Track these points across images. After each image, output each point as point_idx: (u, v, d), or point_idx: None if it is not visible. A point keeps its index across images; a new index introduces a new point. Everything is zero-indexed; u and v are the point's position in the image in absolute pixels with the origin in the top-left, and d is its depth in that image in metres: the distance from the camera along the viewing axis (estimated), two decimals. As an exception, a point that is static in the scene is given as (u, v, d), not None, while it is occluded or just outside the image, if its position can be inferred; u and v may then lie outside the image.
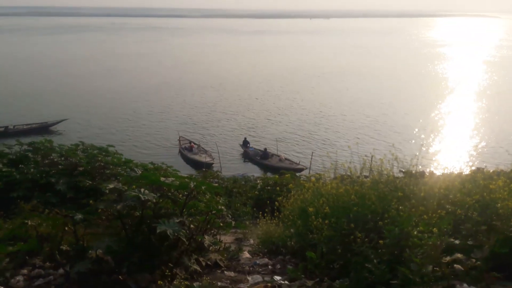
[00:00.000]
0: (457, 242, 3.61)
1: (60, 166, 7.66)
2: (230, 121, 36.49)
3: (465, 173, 6.27)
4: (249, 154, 28.26)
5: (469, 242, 3.74)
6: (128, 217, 4.33)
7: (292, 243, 5.54)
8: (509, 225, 3.89)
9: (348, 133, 33.33)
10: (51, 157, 8.10)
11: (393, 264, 3.47)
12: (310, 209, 4.89)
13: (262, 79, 56.11)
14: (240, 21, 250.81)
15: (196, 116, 37.78)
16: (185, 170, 22.31)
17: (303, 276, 4.11)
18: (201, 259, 4.69)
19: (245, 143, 29.42)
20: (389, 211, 4.35)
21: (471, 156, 28.43)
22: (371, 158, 6.22)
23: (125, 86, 49.72)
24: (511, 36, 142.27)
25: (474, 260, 3.40)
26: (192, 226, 4.53)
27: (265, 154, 27.46)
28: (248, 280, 4.54)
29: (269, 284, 3.84)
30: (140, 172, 4.68)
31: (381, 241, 3.77)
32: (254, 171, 24.96)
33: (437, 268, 3.33)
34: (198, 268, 4.45)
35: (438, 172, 6.92)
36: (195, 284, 3.91)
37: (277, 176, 13.72)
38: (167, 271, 4.14)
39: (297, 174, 17.46)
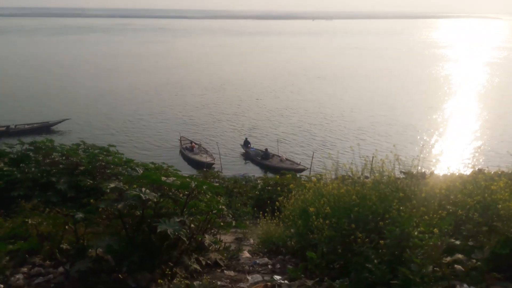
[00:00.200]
0: (457, 242, 3.60)
1: (61, 166, 7.67)
2: (231, 122, 36.51)
3: (466, 174, 6.26)
4: (250, 155, 28.27)
5: (470, 243, 3.73)
6: (128, 216, 4.34)
7: (292, 243, 5.54)
8: (510, 226, 3.88)
9: (349, 134, 33.32)
10: (52, 156, 8.11)
11: (393, 265, 3.46)
12: (311, 209, 4.89)
13: (264, 80, 56.15)
14: (242, 22, 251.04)
15: (197, 117, 37.81)
16: (186, 170, 22.31)
17: (303, 276, 4.10)
18: (201, 258, 4.69)
19: (246, 144, 29.43)
20: (390, 211, 4.35)
21: (472, 157, 28.39)
22: (372, 159, 6.21)
23: (127, 87, 49.80)
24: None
25: (474, 261, 3.39)
26: (192, 225, 4.53)
27: (266, 155, 27.46)
28: (248, 279, 4.53)
29: (269, 284, 3.84)
30: (141, 172, 4.69)
31: (381, 242, 3.77)
32: (254, 172, 24.97)
33: (438, 269, 3.32)
34: (198, 267, 4.45)
35: (439, 173, 6.92)
36: (195, 283, 3.91)
37: (278, 177, 13.71)
38: (167, 270, 4.14)
39: (298, 174, 17.46)
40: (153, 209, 4.34)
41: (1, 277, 4.23)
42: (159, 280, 3.96)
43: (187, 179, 4.60)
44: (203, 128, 34.40)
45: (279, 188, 11.11)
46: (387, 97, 46.59)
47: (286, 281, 4.13)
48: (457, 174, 6.62)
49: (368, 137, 32.17)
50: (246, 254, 5.86)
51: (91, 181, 7.06)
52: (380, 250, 3.69)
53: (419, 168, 5.80)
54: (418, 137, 32.41)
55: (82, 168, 7.59)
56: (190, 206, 4.69)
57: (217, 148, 28.07)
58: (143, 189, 4.12)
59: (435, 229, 3.68)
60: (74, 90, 47.19)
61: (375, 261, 3.52)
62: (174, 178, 4.53)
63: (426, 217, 4.10)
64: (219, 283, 4.25)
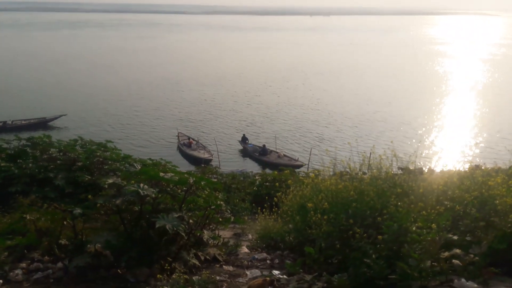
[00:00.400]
0: (455, 237, 3.62)
1: (58, 161, 7.66)
2: (229, 118, 36.45)
3: (464, 170, 6.29)
4: (248, 151, 28.27)
5: (468, 238, 3.75)
6: (127, 212, 4.34)
7: (291, 238, 5.56)
8: (507, 221, 3.90)
9: (347, 130, 33.34)
10: (50, 152, 8.09)
11: (391, 260, 3.48)
12: (309, 204, 4.91)
13: (261, 76, 56.04)
14: (239, 17, 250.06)
15: (195, 113, 37.73)
16: (184, 166, 22.30)
17: (301, 270, 4.12)
18: (200, 253, 4.70)
19: (244, 140, 29.42)
20: (388, 207, 4.37)
21: (469, 153, 28.47)
22: (370, 155, 6.22)
23: (123, 82, 49.58)
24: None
25: (472, 256, 3.41)
26: (191, 221, 4.54)
27: (263, 151, 27.47)
28: (246, 274, 4.55)
29: (268, 279, 3.85)
30: (139, 168, 4.69)
31: (379, 237, 3.79)
32: (252, 167, 24.96)
33: (436, 264, 3.34)
34: (197, 263, 4.47)
35: (437, 169, 6.94)
36: (194, 278, 3.92)
37: (275, 172, 13.73)
38: (166, 265, 4.15)
39: (296, 170, 17.48)
40: (152, 204, 4.34)
41: (0, 272, 4.23)
42: (158, 275, 3.97)
43: (185, 175, 4.60)
44: (201, 124, 34.34)
45: (277, 184, 11.11)
46: (384, 93, 46.61)
47: (284, 276, 4.14)
48: (454, 170, 6.65)
49: (365, 133, 32.19)
50: (244, 249, 5.88)
51: (89, 177, 7.05)
52: (378, 245, 3.71)
53: (417, 164, 5.81)
54: (416, 133, 32.46)
55: (79, 164, 7.58)
56: (189, 202, 4.70)
57: (215, 144, 28.05)
58: (141, 185, 4.12)
59: (433, 224, 3.70)
60: (70, 85, 46.94)
61: (373, 256, 3.54)
62: (172, 174, 4.53)
63: (424, 212, 4.13)
64: (218, 278, 4.26)
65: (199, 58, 72.94)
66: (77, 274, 4.10)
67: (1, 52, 71.58)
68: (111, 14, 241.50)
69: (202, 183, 4.71)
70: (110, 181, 4.22)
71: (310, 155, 25.39)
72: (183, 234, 4.13)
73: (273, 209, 6.87)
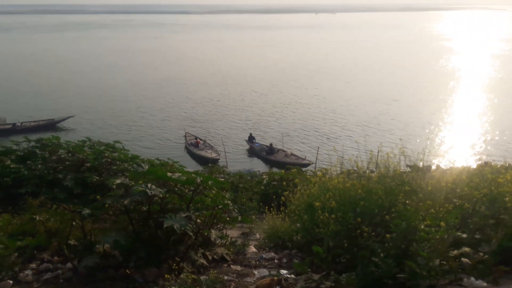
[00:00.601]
0: (464, 236, 3.59)
1: (67, 162, 7.72)
2: (236, 117, 36.48)
3: (473, 167, 6.23)
4: (255, 150, 28.27)
5: (477, 236, 3.72)
6: (135, 212, 4.37)
7: (298, 237, 5.54)
8: (517, 219, 3.86)
9: (354, 128, 33.19)
10: (59, 153, 8.16)
11: (400, 258, 3.46)
12: (317, 203, 4.89)
13: (267, 75, 55.98)
14: (244, 16, 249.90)
15: (201, 112, 37.80)
16: (191, 166, 22.38)
17: (309, 270, 4.11)
18: (207, 253, 4.71)
19: (251, 139, 29.43)
20: (396, 205, 4.34)
21: (478, 150, 28.20)
22: (378, 153, 6.19)
23: (130, 83, 49.83)
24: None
25: (482, 254, 3.39)
26: (198, 220, 4.55)
27: (271, 150, 27.45)
28: (254, 274, 4.55)
29: (275, 278, 3.85)
30: (146, 168, 4.70)
31: (388, 235, 3.76)
32: (260, 167, 24.97)
33: (445, 262, 3.32)
34: (205, 262, 4.48)
35: (445, 166, 6.88)
36: (202, 277, 3.94)
37: (283, 171, 13.72)
38: (174, 265, 4.17)
39: (303, 169, 17.44)
40: (159, 204, 4.36)
41: (10, 273, 4.28)
42: (166, 275, 3.99)
43: (193, 175, 4.61)
44: (207, 124, 34.40)
45: (284, 183, 11.12)
46: (391, 90, 46.30)
47: (292, 276, 4.14)
48: (463, 167, 6.59)
49: (373, 131, 32.04)
50: (252, 248, 5.88)
51: (98, 178, 7.10)
52: (386, 244, 3.68)
53: (425, 161, 5.76)
54: (424, 131, 32.21)
55: (88, 164, 7.64)
56: (196, 202, 4.71)
57: (222, 144, 28.10)
58: (149, 185, 4.14)
59: (442, 222, 3.67)
60: (77, 87, 47.29)
61: (382, 255, 3.52)
62: (179, 174, 4.54)
63: (432, 210, 4.09)
64: (225, 277, 4.27)
65: (204, 57, 73.04)
66: (86, 274, 4.13)
67: (9, 55, 72.31)
68: (116, 15, 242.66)
69: (210, 182, 4.71)
70: (118, 181, 4.25)
71: (317, 153, 25.32)
72: (191, 233, 4.15)
73: (281, 208, 6.86)
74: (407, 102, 40.83)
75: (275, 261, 5.19)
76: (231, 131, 32.84)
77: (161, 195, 4.14)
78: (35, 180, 7.13)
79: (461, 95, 45.02)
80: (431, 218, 3.78)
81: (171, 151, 27.56)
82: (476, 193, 4.46)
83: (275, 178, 12.79)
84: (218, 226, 5.55)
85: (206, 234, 4.75)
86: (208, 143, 28.86)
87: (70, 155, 8.09)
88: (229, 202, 5.09)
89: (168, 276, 3.96)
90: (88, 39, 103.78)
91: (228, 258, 4.98)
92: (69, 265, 4.41)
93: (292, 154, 27.19)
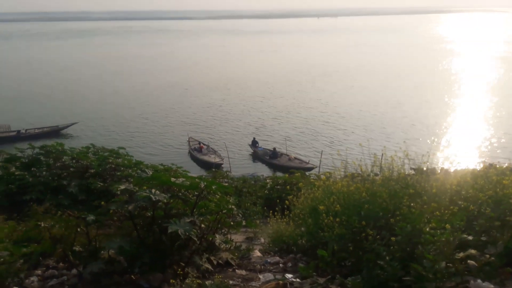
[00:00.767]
0: (470, 238, 3.57)
1: (71, 169, 7.76)
2: (239, 122, 36.53)
3: (477, 169, 6.19)
4: (258, 154, 28.28)
5: (483, 238, 3.69)
6: (139, 217, 4.37)
7: (303, 241, 5.53)
8: (523, 221, 3.83)
9: (357, 131, 33.14)
10: (63, 160, 8.20)
11: (405, 261, 3.44)
12: (321, 207, 4.88)
13: (270, 79, 56.08)
14: (246, 21, 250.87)
15: (204, 117, 37.88)
16: (195, 171, 22.39)
17: (314, 274, 4.10)
18: (212, 258, 4.71)
19: (254, 143, 29.45)
20: (400, 208, 4.32)
21: (483, 152, 28.07)
22: (382, 156, 6.18)
23: (132, 89, 50.05)
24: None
25: (488, 256, 3.36)
26: (203, 225, 4.55)
27: (274, 154, 27.45)
28: (259, 278, 4.54)
29: (281, 282, 3.84)
30: (150, 173, 4.72)
31: (393, 238, 3.74)
32: (263, 171, 24.96)
33: (450, 265, 3.30)
34: (210, 267, 4.47)
35: (449, 169, 6.85)
36: (207, 282, 3.93)
37: (286, 175, 13.71)
38: (179, 270, 4.17)
39: (307, 173, 17.43)
40: (164, 210, 4.37)
41: (16, 279, 4.29)
42: (171, 280, 3.98)
43: (197, 180, 4.62)
44: (211, 129, 34.47)
45: (288, 187, 11.12)
46: (394, 93, 46.25)
47: (297, 280, 4.13)
48: (468, 169, 6.56)
49: (376, 134, 31.98)
50: (257, 253, 5.87)
51: (102, 184, 7.12)
52: (392, 247, 3.67)
53: (429, 164, 5.75)
54: (428, 133, 32.13)
55: (92, 171, 7.67)
56: (200, 207, 4.71)
57: (225, 149, 28.13)
58: (153, 190, 4.15)
59: (447, 224, 3.65)
60: (81, 94, 47.54)
61: (387, 258, 3.51)
62: (183, 179, 4.55)
63: (437, 213, 4.07)
64: (231, 282, 4.26)
65: (206, 63, 73.29)
66: (91, 281, 4.13)
67: (13, 63, 72.83)
68: (118, 22, 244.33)
69: (213, 187, 4.72)
70: (122, 187, 4.26)
71: (321, 157, 25.29)
72: (195, 238, 4.14)
73: (285, 212, 6.85)
74: (410, 105, 40.76)
75: (280, 265, 5.18)
76: (234, 136, 32.87)
77: (165, 201, 4.15)
78: (39, 186, 7.17)
79: (464, 98, 44.91)
80: (436, 220, 3.77)
81: (174, 156, 27.61)
82: (481, 195, 4.44)
83: (278, 182, 12.78)
84: (223, 230, 5.54)
85: (210, 239, 4.75)
86: (212, 148, 28.91)
87: (74, 161, 8.13)
88: (233, 206, 5.09)
89: (173, 281, 3.96)
90: (91, 46, 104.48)
91: (233, 262, 4.97)
92: (74, 271, 4.41)
93: (295, 158, 27.18)
